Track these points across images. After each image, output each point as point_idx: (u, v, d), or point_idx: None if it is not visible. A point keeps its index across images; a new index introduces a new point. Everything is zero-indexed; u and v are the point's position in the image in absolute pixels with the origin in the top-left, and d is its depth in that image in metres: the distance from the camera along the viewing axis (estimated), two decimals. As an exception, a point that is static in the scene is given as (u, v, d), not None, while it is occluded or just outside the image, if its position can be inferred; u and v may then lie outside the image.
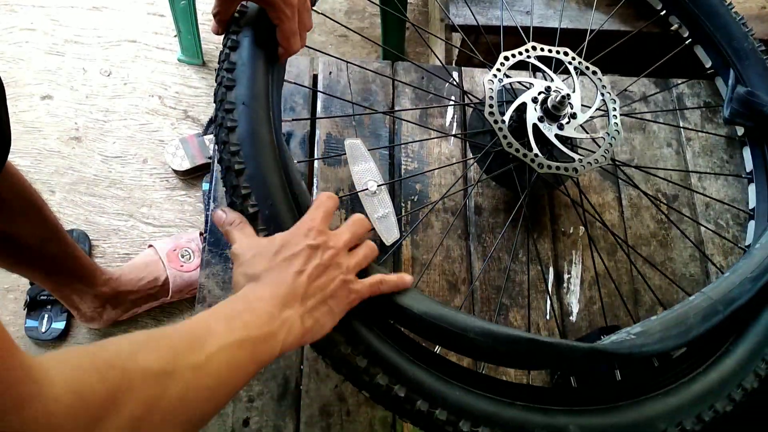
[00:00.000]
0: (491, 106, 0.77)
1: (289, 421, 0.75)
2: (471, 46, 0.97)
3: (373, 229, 0.81)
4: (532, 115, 0.78)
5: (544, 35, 0.92)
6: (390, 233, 0.82)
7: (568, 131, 0.78)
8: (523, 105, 0.78)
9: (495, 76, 0.80)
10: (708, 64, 1.00)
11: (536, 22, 1.07)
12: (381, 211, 0.82)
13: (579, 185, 0.87)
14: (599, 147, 0.79)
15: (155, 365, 0.39)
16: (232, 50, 0.66)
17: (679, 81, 1.05)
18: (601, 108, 0.82)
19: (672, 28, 1.02)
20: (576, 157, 0.77)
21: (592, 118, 0.83)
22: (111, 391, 0.36)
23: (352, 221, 0.60)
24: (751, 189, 0.93)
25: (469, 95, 0.94)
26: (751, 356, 0.66)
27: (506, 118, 0.77)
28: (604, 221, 0.90)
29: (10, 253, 0.97)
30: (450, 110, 0.97)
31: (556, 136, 0.77)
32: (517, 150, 0.75)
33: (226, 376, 0.44)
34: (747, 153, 0.96)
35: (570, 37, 0.95)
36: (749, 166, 0.95)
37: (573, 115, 0.79)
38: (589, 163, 0.77)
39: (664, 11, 1.02)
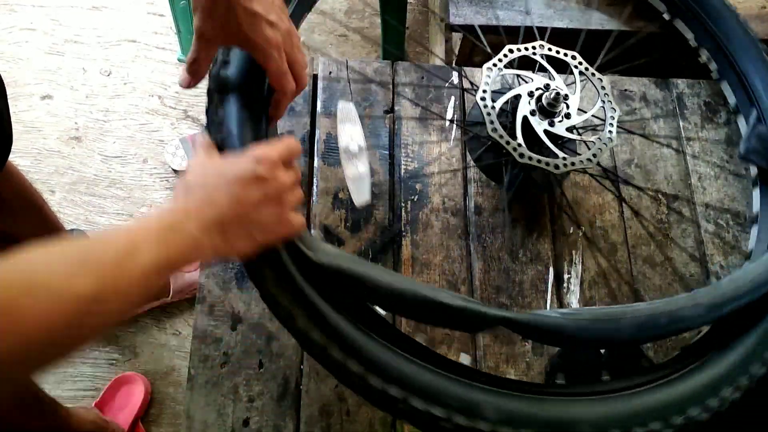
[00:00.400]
0: (485, 91, 0.78)
1: (289, 421, 0.75)
2: (479, 37, 0.97)
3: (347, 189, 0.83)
4: (525, 107, 0.79)
5: (549, 35, 0.92)
6: (361, 195, 0.84)
7: (558, 129, 0.79)
8: (518, 96, 0.79)
9: (495, 65, 0.81)
10: (732, 101, 0.99)
11: (540, 22, 1.07)
12: (357, 171, 0.84)
13: (561, 185, 0.88)
14: (587, 150, 0.79)
15: (87, 291, 0.41)
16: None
17: (679, 80, 1.05)
18: (599, 116, 0.83)
19: (701, 59, 1.01)
20: (561, 155, 0.78)
21: (594, 129, 0.83)
22: (43, 316, 0.38)
23: (288, 149, 0.58)
24: (754, 231, 0.90)
25: (474, 86, 0.93)
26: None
27: (497, 104, 0.78)
28: (608, 217, 0.90)
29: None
30: (450, 108, 0.97)
31: (545, 131, 0.78)
32: (501, 136, 0.76)
33: (142, 294, 0.46)
34: (756, 194, 0.92)
35: (574, 38, 0.95)
36: (756, 207, 0.91)
37: (567, 115, 0.80)
38: (572, 163, 0.77)
39: (697, 44, 1.02)
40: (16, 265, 0.40)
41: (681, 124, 1.01)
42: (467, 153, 0.93)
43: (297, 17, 0.81)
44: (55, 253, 0.42)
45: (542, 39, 0.86)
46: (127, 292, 0.44)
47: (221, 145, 0.63)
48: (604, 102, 0.82)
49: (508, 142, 0.76)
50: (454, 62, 1.16)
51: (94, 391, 1.24)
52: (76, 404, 1.18)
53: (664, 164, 0.97)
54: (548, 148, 0.78)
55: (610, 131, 0.80)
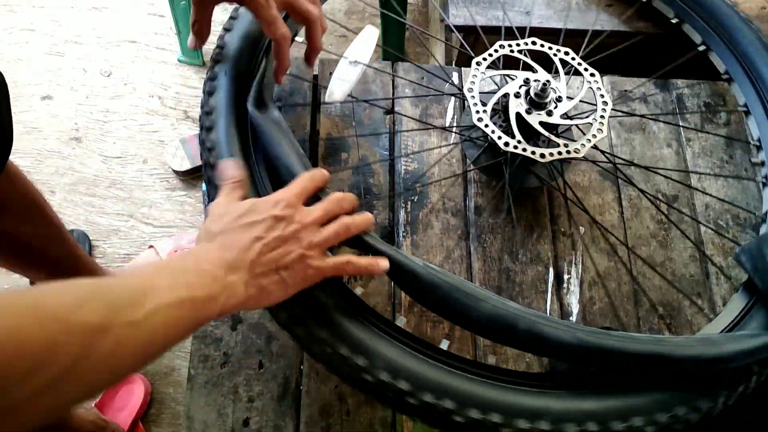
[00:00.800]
0: (472, 83, 0.80)
1: (289, 421, 0.75)
2: (480, 37, 0.97)
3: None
4: (516, 104, 0.80)
5: (547, 35, 0.92)
6: (333, 93, 0.86)
7: (554, 118, 0.79)
8: (507, 95, 0.80)
9: (484, 59, 0.82)
10: (742, 101, 0.99)
11: (538, 22, 1.07)
12: (345, 76, 0.87)
13: (563, 177, 0.88)
14: (574, 141, 0.79)
15: (94, 320, 0.40)
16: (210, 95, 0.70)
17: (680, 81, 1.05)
18: (589, 101, 0.83)
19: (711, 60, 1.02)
20: (562, 143, 0.78)
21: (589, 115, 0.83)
22: (49, 343, 0.37)
23: (330, 198, 0.59)
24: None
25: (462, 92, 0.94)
26: None
27: (488, 106, 0.80)
28: (608, 217, 0.90)
29: (11, 253, 0.97)
30: (450, 110, 0.97)
31: (541, 123, 0.79)
32: (486, 125, 0.77)
33: (161, 333, 0.45)
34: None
35: (577, 39, 0.95)
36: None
37: (558, 98, 0.81)
38: (558, 152, 0.77)
39: (705, 47, 1.02)
40: (27, 293, 0.40)
41: (681, 124, 1.01)
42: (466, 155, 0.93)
43: None
44: (68, 285, 0.42)
45: (547, 41, 0.86)
46: (142, 326, 0.43)
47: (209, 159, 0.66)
48: (593, 89, 0.83)
49: (493, 131, 0.77)
50: (453, 63, 1.16)
51: (94, 391, 1.24)
52: (76, 405, 1.18)
53: (664, 164, 0.97)
54: (547, 138, 0.79)
55: (602, 115, 0.80)
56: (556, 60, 0.84)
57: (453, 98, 0.98)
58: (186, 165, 1.43)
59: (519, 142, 0.77)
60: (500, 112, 0.83)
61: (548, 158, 0.77)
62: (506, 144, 0.77)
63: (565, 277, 0.87)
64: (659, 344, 0.59)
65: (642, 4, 1.07)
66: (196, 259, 0.50)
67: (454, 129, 0.95)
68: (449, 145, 0.94)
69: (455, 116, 0.97)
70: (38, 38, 1.60)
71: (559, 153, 0.77)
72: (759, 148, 0.94)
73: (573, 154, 0.78)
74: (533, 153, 0.77)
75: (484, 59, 0.83)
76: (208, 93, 0.72)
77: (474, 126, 0.81)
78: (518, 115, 0.79)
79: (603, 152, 0.91)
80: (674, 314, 0.86)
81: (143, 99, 1.55)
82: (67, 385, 0.39)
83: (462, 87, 0.97)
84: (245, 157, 0.68)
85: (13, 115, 0.79)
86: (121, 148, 1.48)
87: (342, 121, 0.93)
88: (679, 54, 0.98)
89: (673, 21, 1.04)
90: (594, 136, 0.79)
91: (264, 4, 0.63)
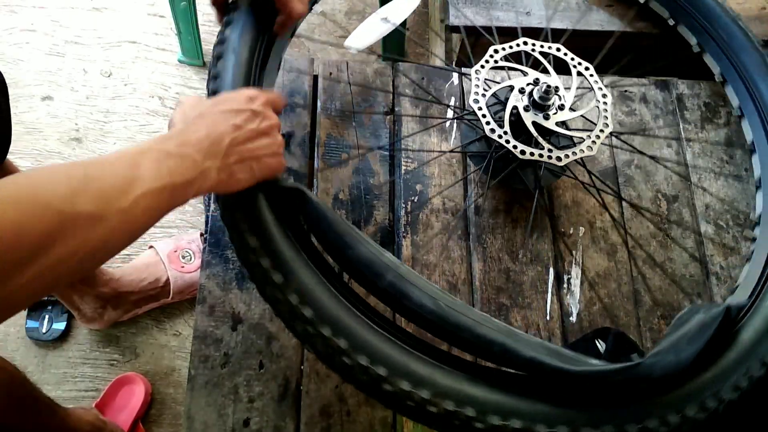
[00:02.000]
0: (476, 93, 0.79)
1: (289, 422, 0.75)
2: (480, 37, 0.97)
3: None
4: (516, 99, 0.80)
5: (546, 37, 0.92)
6: (354, 41, 0.90)
7: (549, 123, 0.79)
8: (512, 87, 0.81)
9: (482, 66, 0.82)
10: (735, 104, 0.99)
11: (537, 23, 1.07)
12: (371, 29, 0.91)
13: (586, 166, 0.88)
14: (559, 149, 0.80)
15: (88, 209, 0.42)
16: (226, 26, 0.70)
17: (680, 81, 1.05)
18: (590, 118, 0.83)
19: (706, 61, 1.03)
20: (547, 146, 0.79)
21: (589, 131, 0.83)
22: (46, 232, 0.39)
23: (269, 91, 0.62)
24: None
25: (463, 110, 0.94)
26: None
27: (489, 92, 0.80)
28: (608, 217, 0.90)
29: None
30: (450, 111, 0.97)
31: (534, 123, 0.79)
32: (486, 121, 0.78)
33: (144, 219, 0.47)
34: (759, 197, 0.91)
35: (577, 39, 0.95)
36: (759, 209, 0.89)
37: (561, 107, 0.81)
38: (540, 155, 0.78)
39: (699, 48, 1.02)
40: (20, 181, 0.41)
41: (681, 124, 1.01)
42: (467, 157, 0.93)
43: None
44: (60, 173, 0.43)
45: (543, 40, 0.86)
46: (130, 213, 0.45)
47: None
48: (598, 106, 0.83)
49: (541, 155, 0.77)
50: (454, 63, 1.16)
51: (94, 391, 1.24)
52: (76, 405, 1.18)
53: (663, 164, 0.97)
54: (558, 137, 0.79)
55: (597, 136, 0.80)
56: (573, 72, 0.84)
57: (453, 98, 0.98)
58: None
59: (505, 132, 0.77)
60: (502, 103, 0.83)
61: (526, 156, 0.77)
62: (492, 131, 0.77)
63: (565, 277, 0.87)
64: (508, 335, 0.59)
65: (639, 5, 1.07)
66: (177, 142, 0.51)
67: (452, 106, 0.95)
68: (452, 151, 0.94)
69: (454, 116, 0.97)
70: (39, 39, 1.60)
71: (540, 156, 0.77)
72: (753, 151, 0.94)
73: (551, 161, 0.77)
74: (509, 143, 0.77)
75: (486, 61, 0.82)
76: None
77: (479, 139, 0.82)
78: (515, 108, 0.79)
79: (590, 173, 0.89)
80: (675, 314, 0.86)
81: (143, 99, 1.55)
82: (60, 271, 0.41)
83: (462, 87, 0.97)
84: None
85: (13, 115, 0.79)
86: (121, 148, 1.48)
87: (342, 121, 0.93)
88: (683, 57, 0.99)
89: (670, 22, 1.04)
90: (581, 151, 0.79)
91: None
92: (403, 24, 1.48)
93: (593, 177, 0.87)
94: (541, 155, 0.77)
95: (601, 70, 0.87)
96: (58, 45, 1.60)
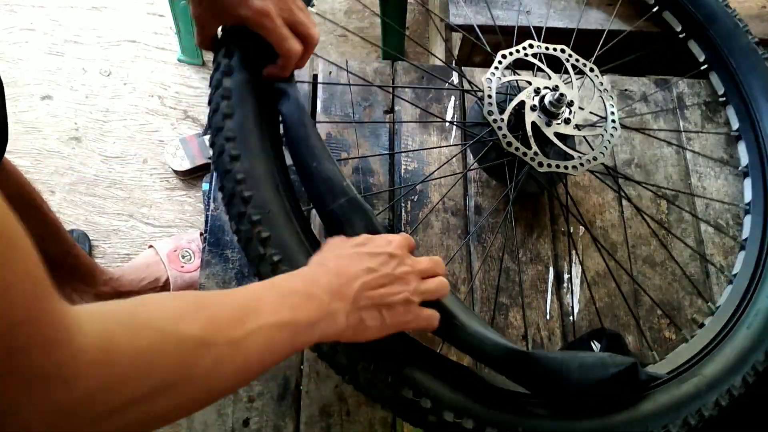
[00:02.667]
0: (489, 96, 0.78)
1: (289, 422, 0.75)
2: (479, 37, 0.96)
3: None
4: (530, 113, 0.79)
5: (547, 35, 0.92)
6: None
7: (567, 129, 0.79)
8: (522, 103, 0.79)
9: (493, 73, 0.81)
10: (720, 91, 1.01)
11: (538, 21, 1.07)
12: None
13: (566, 186, 0.88)
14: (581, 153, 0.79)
15: (194, 333, 0.39)
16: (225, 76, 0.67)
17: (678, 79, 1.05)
18: (598, 113, 0.82)
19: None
20: (575, 155, 0.78)
21: (593, 125, 0.83)
22: (141, 352, 0.35)
23: (432, 259, 0.59)
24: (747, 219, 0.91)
25: (473, 86, 0.93)
26: None
27: (505, 115, 0.79)
28: (608, 217, 0.90)
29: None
30: (450, 109, 0.97)
31: (555, 134, 0.78)
32: (517, 148, 0.76)
33: (260, 354, 0.43)
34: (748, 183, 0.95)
35: (579, 38, 0.95)
36: (748, 197, 0.92)
37: (567, 120, 0.80)
38: (567, 166, 0.77)
39: (684, 34, 1.03)
40: (124, 302, 0.39)
41: (681, 123, 1.01)
42: (467, 153, 0.93)
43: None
44: (169, 296, 0.41)
45: (547, 40, 0.86)
46: (241, 345, 0.41)
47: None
48: (602, 95, 0.82)
49: (525, 153, 0.76)
50: (454, 62, 1.16)
51: (94, 391, 1.24)
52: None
53: (664, 164, 0.97)
54: (557, 147, 0.78)
55: (613, 126, 0.80)
56: (568, 65, 0.84)
57: (453, 97, 0.98)
58: (186, 165, 1.42)
59: (536, 154, 0.76)
60: (512, 116, 0.81)
61: (543, 168, 0.76)
62: (540, 164, 0.76)
63: (565, 276, 0.87)
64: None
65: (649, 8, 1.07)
66: (304, 281, 0.49)
67: (456, 124, 0.94)
68: (450, 145, 0.94)
69: (455, 115, 0.96)
70: (38, 38, 1.60)
71: (566, 168, 0.77)
72: (739, 137, 0.95)
73: (575, 171, 0.77)
74: (526, 156, 0.76)
75: (496, 68, 0.81)
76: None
77: (479, 124, 0.81)
78: (534, 124, 0.78)
79: (607, 167, 0.90)
80: (675, 314, 0.86)
81: (143, 98, 1.55)
82: (158, 401, 0.37)
83: (462, 87, 0.97)
84: None
85: (12, 114, 0.79)
86: (120, 147, 1.48)
87: (342, 120, 0.93)
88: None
89: (654, 9, 1.05)
90: (605, 147, 0.79)
91: (271, 26, 0.61)
92: (403, 23, 1.48)
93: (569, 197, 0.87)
94: (566, 167, 0.77)
95: (601, 66, 0.87)
96: (57, 44, 1.59)
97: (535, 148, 0.77)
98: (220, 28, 0.69)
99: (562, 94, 0.77)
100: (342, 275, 0.51)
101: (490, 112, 0.77)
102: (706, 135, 1.00)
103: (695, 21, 0.99)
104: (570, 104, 0.79)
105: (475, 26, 0.98)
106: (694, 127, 1.01)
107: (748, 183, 0.93)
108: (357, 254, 0.53)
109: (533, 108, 0.79)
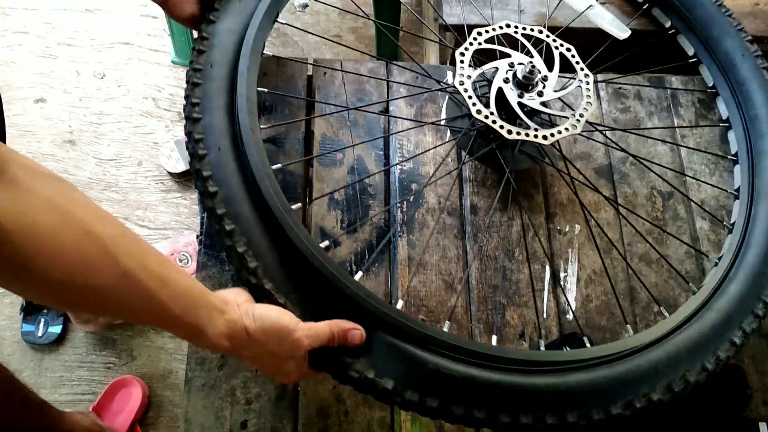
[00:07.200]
0: (462, 63, 0.80)
1: (286, 423, 0.75)
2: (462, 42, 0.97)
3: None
4: (500, 79, 0.81)
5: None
6: (621, 29, 1.04)
7: (533, 103, 0.80)
8: (497, 70, 0.82)
9: (467, 48, 0.82)
10: (710, 82, 1.02)
11: (530, 21, 1.07)
12: (604, 21, 1.04)
13: (562, 153, 0.89)
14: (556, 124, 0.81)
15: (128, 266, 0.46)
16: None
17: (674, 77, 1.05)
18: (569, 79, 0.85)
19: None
20: (533, 126, 0.80)
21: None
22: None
23: (335, 327, 0.61)
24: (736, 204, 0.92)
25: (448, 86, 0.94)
26: None
27: (474, 74, 0.80)
28: (604, 215, 0.90)
29: None
30: (445, 107, 0.97)
31: (519, 104, 0.80)
32: (470, 97, 0.78)
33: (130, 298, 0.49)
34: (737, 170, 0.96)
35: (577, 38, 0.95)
36: (737, 183, 0.93)
37: (540, 93, 0.81)
38: (537, 135, 0.79)
39: (672, 26, 1.04)
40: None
41: (675, 121, 1.02)
42: (461, 152, 0.93)
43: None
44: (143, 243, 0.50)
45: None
46: (133, 277, 0.47)
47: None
48: (581, 85, 0.83)
49: (494, 122, 0.77)
50: (448, 62, 1.16)
51: (91, 395, 1.23)
52: (73, 409, 1.17)
53: (659, 161, 0.97)
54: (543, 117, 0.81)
55: (588, 101, 0.81)
56: (555, 53, 0.85)
57: (447, 96, 0.98)
58: (181, 167, 1.42)
59: (491, 113, 0.78)
60: (487, 89, 0.83)
61: (513, 136, 0.77)
62: (478, 111, 0.77)
63: (562, 275, 0.87)
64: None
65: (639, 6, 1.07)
66: (219, 303, 0.55)
67: (437, 123, 0.95)
68: (439, 145, 0.94)
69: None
70: (31, 41, 1.59)
71: (527, 135, 0.77)
72: (728, 127, 0.96)
73: (536, 140, 0.78)
74: (495, 123, 0.77)
75: (470, 44, 0.83)
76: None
77: (463, 116, 0.81)
78: (500, 91, 0.80)
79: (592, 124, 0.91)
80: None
81: (137, 101, 1.54)
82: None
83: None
84: None
85: (6, 118, 0.78)
86: (115, 150, 1.48)
87: (337, 121, 0.93)
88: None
89: (645, 7, 1.06)
90: (566, 129, 0.79)
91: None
92: (397, 23, 1.48)
93: (568, 163, 0.89)
94: (527, 134, 0.78)
95: (594, 67, 0.87)
96: (50, 47, 1.59)
97: (533, 125, 0.78)
98: None
99: (534, 66, 0.79)
100: (255, 346, 0.57)
101: (462, 82, 0.78)
102: (700, 132, 1.01)
103: (680, 13, 1.01)
104: (545, 79, 0.81)
105: (465, 26, 0.97)
106: (688, 124, 1.01)
107: (737, 169, 0.94)
108: (270, 353, 0.58)
109: (506, 80, 0.81)
